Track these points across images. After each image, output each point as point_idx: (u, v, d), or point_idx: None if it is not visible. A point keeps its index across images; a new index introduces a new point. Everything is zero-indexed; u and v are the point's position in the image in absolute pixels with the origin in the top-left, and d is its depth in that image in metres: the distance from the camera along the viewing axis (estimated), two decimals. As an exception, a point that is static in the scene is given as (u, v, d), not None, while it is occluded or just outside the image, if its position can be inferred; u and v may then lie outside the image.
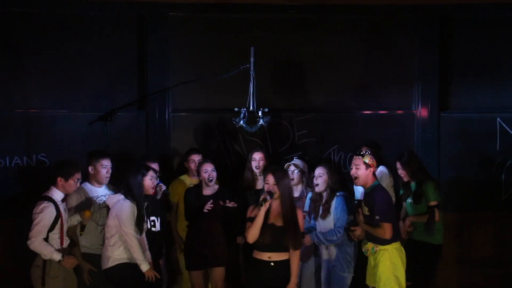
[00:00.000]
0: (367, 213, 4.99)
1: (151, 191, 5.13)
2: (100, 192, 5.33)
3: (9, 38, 6.53)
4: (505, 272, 6.80)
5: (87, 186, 5.30)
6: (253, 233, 4.61)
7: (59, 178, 4.92)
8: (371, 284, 5.13)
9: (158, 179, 5.43)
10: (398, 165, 5.66)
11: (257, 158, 5.86)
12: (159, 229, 5.43)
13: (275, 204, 4.69)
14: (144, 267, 4.93)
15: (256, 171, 5.86)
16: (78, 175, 5.01)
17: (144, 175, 5.05)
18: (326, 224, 5.38)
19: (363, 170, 5.00)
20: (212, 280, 5.70)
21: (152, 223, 5.38)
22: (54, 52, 6.57)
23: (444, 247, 5.68)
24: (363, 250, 5.13)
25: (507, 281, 6.78)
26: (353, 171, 5.05)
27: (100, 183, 5.34)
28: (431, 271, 5.62)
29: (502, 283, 6.79)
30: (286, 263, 4.69)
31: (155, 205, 5.43)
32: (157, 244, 5.41)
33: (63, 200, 4.97)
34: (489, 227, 6.84)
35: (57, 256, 4.83)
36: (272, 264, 4.65)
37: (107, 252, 4.99)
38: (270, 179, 4.68)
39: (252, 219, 4.67)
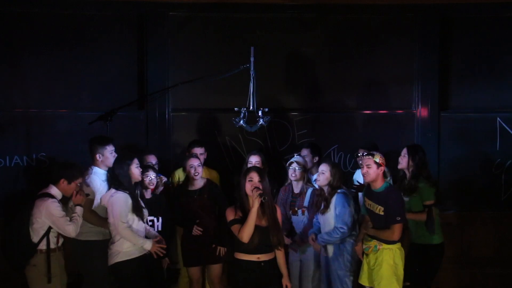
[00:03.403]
0: (381, 213, 4.98)
1: (140, 178, 5.14)
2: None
3: (9, 38, 6.53)
4: (505, 272, 6.80)
5: (96, 170, 5.32)
6: (248, 232, 4.58)
7: (62, 180, 4.93)
8: (365, 284, 5.11)
9: (158, 172, 5.52)
10: (404, 151, 5.59)
11: (253, 162, 5.80)
12: (160, 229, 5.44)
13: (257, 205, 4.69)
14: (148, 246, 4.98)
15: None
16: (81, 179, 5.05)
17: (129, 164, 5.04)
18: (325, 219, 5.44)
19: (375, 169, 5.01)
20: (209, 277, 5.73)
21: (150, 223, 5.40)
22: (54, 52, 6.58)
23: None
24: (364, 247, 5.12)
25: (507, 281, 6.78)
26: (364, 170, 5.05)
27: (107, 166, 5.35)
28: (435, 270, 5.61)
29: (502, 283, 6.79)
30: (273, 262, 4.73)
31: (154, 206, 5.44)
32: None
33: (60, 200, 4.97)
34: (489, 227, 6.84)
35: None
36: (262, 264, 4.66)
37: (115, 247, 4.97)
38: (255, 176, 4.67)
39: (238, 221, 4.64)
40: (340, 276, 5.39)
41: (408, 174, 5.59)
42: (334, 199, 5.40)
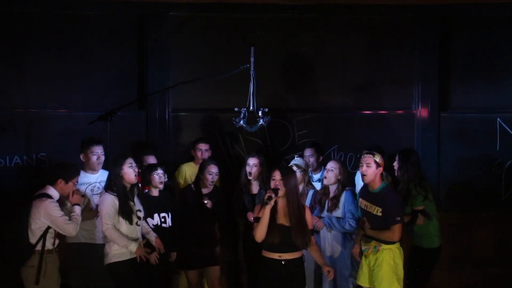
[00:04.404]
0: (379, 214, 4.97)
1: (134, 179, 5.11)
2: (93, 178, 5.40)
3: (9, 38, 6.54)
4: (505, 272, 6.80)
5: (80, 173, 5.32)
6: (260, 233, 4.60)
7: (59, 180, 4.93)
8: (364, 285, 5.10)
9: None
10: (398, 156, 5.60)
11: (251, 164, 5.81)
12: (170, 224, 5.51)
13: (283, 204, 4.66)
14: (133, 248, 5.00)
15: (249, 177, 5.81)
16: (78, 178, 5.07)
17: (122, 164, 5.05)
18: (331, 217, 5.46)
19: (374, 168, 4.98)
20: (208, 279, 5.71)
21: (163, 219, 5.47)
22: (54, 52, 6.58)
23: (444, 247, 5.66)
24: (364, 248, 5.12)
25: (507, 281, 6.78)
26: (363, 169, 5.01)
27: (93, 170, 5.41)
28: (426, 273, 5.61)
29: (502, 283, 6.79)
30: (297, 262, 4.70)
31: (164, 202, 5.50)
32: (168, 239, 5.44)
33: (58, 201, 4.97)
34: (489, 227, 6.84)
35: None
36: (283, 262, 4.65)
37: (106, 249, 5.06)
38: (277, 175, 4.66)
39: (258, 219, 4.66)
40: (346, 276, 5.44)
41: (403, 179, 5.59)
42: (343, 197, 5.44)
